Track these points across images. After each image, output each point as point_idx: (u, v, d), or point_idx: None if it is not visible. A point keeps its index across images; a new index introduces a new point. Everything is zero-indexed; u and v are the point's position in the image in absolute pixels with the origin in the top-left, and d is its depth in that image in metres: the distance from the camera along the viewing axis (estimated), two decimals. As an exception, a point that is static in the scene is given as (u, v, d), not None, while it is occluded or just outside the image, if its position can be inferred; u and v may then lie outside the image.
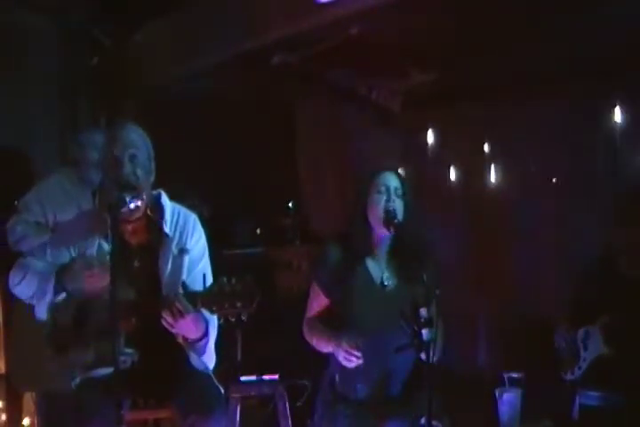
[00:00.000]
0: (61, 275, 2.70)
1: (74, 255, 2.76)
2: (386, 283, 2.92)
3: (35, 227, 3.61)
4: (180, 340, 2.70)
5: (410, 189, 2.95)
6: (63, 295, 2.70)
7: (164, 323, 2.55)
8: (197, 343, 2.69)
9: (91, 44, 4.93)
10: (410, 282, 2.85)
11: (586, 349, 3.16)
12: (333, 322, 2.90)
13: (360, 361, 2.72)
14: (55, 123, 4.77)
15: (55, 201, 3.66)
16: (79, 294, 2.67)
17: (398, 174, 2.97)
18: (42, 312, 2.72)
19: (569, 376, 3.23)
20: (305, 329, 2.98)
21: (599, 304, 3.16)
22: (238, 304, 2.44)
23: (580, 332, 3.19)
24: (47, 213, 3.63)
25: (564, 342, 3.27)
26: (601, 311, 3.14)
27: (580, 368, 3.18)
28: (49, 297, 2.69)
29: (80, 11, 4.91)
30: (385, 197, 2.87)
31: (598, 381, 3.11)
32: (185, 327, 2.60)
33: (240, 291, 2.45)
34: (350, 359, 2.72)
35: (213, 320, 2.69)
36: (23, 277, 2.76)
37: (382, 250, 2.94)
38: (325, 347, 2.87)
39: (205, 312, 2.56)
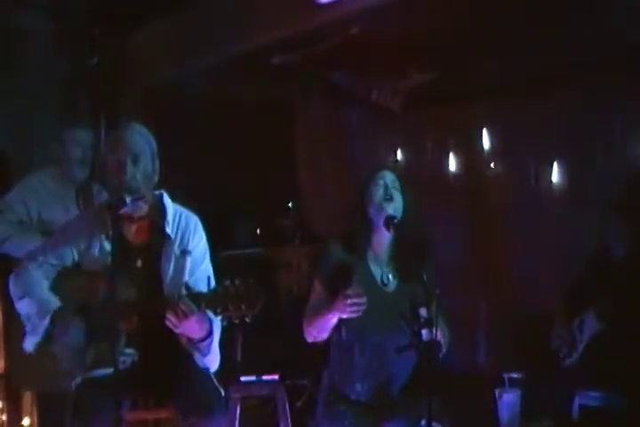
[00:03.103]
0: (55, 320, 2.66)
1: (76, 256, 2.77)
2: (386, 282, 2.92)
3: (18, 226, 3.59)
4: (184, 340, 2.69)
5: (409, 190, 2.96)
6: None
7: (167, 323, 2.55)
8: (201, 343, 2.68)
9: (91, 44, 4.93)
10: (410, 282, 2.85)
11: (581, 333, 3.21)
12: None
13: (364, 306, 2.65)
14: (55, 123, 4.76)
15: (39, 200, 3.64)
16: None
17: (396, 174, 2.98)
18: (29, 344, 2.71)
19: (567, 361, 3.27)
20: (304, 320, 2.90)
21: (594, 297, 3.21)
22: (242, 306, 2.45)
23: (576, 321, 3.24)
24: (31, 212, 3.61)
25: (561, 338, 3.31)
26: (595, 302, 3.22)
27: (576, 351, 3.23)
28: (39, 336, 2.68)
29: (80, 11, 4.91)
30: (382, 189, 2.89)
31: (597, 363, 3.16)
32: (189, 328, 2.59)
33: (244, 293, 2.45)
34: (356, 303, 2.64)
35: (217, 320, 2.67)
36: (22, 298, 2.74)
37: (383, 250, 2.95)
38: (328, 318, 2.75)
39: (209, 313, 2.56)
